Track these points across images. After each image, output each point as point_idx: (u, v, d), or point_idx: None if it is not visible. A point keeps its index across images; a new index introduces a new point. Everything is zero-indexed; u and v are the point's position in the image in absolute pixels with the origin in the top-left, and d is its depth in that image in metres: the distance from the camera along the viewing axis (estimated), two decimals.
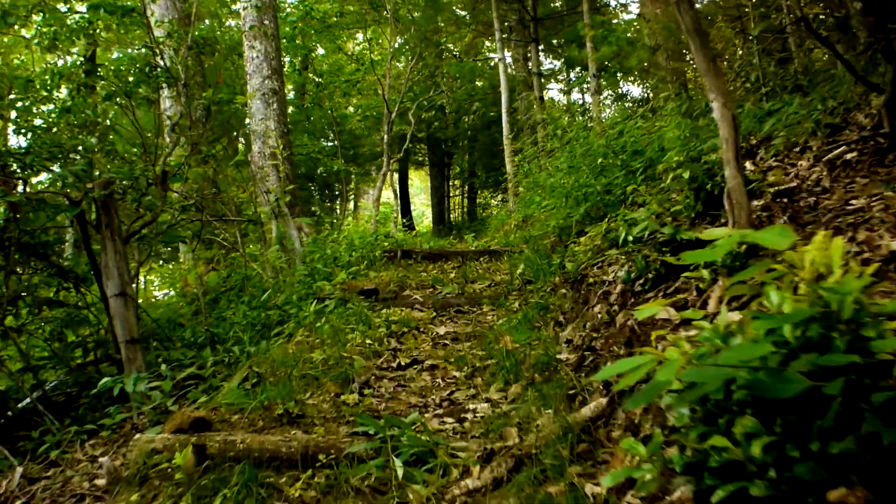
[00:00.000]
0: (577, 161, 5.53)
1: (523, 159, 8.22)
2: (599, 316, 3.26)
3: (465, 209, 21.98)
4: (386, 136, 13.32)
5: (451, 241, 9.37)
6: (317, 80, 17.36)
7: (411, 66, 13.84)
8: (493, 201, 21.39)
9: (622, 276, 3.30)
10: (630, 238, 3.51)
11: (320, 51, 20.43)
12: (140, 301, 6.53)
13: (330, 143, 18.56)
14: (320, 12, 14.32)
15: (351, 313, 4.18)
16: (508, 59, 15.46)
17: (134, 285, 5.03)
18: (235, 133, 16.05)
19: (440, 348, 3.73)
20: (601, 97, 8.75)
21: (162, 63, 5.26)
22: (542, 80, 12.91)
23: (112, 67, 5.73)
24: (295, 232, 6.52)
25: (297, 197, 8.47)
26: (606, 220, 4.24)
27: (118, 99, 5.47)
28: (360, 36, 18.99)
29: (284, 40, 16.64)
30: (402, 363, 3.50)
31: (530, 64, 12.13)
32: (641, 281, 3.15)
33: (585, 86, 18.09)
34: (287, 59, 21.10)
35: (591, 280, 3.77)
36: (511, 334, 3.61)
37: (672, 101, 6.33)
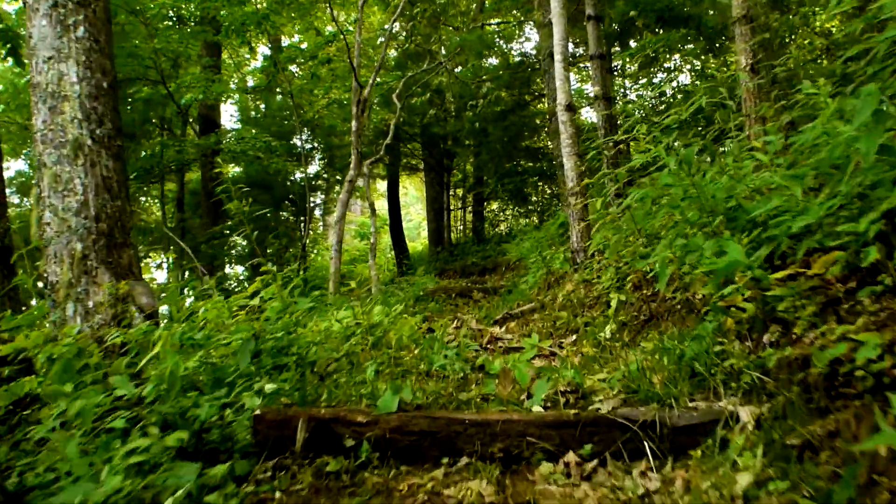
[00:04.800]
0: None
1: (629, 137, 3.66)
2: None
3: (469, 224, 17.42)
4: (355, 124, 8.75)
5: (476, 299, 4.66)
6: (277, 60, 12.61)
7: (394, 18, 9.26)
8: (507, 213, 16.87)
9: None
10: None
11: (296, 37, 16.06)
12: None
13: (303, 144, 13.97)
14: None
15: None
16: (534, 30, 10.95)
17: None
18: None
19: None
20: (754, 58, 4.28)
21: None
22: (602, 27, 8.37)
23: None
24: None
25: (125, 229, 3.90)
26: None
27: None
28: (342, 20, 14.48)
29: (248, 9, 11.97)
30: None
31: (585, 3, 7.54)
32: None
33: (646, 66, 13.54)
34: (265, 50, 16.36)
35: None
36: None
37: None
